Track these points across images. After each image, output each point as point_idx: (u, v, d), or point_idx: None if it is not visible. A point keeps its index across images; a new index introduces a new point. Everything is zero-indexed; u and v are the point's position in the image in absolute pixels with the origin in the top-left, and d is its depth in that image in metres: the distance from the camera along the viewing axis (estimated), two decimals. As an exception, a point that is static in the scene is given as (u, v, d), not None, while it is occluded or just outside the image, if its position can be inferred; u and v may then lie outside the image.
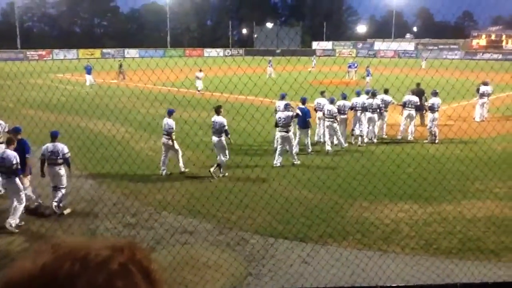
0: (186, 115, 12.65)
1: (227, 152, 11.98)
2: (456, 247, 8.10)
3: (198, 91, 25.11)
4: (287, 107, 13.10)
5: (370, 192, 10.08)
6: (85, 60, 35.84)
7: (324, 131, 15.10)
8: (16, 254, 7.88)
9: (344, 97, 15.52)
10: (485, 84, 19.12)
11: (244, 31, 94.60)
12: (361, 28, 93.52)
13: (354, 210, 9.66)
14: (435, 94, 15.66)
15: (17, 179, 8.90)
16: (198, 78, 27.03)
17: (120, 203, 10.05)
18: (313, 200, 10.03)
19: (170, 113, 12.19)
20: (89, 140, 12.27)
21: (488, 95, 19.37)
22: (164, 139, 12.17)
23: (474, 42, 71.62)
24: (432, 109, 15.65)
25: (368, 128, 15.81)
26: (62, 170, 9.71)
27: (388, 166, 11.15)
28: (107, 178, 11.72)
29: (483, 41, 70.97)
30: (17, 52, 58.82)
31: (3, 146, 9.84)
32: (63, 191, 9.73)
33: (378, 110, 15.72)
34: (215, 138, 11.99)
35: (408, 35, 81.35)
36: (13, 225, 8.80)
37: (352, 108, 15.49)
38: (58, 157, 9.61)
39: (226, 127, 11.82)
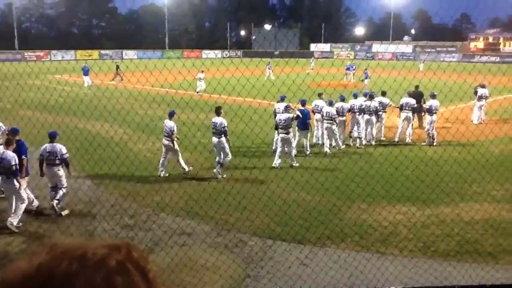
0: (184, 117, 12.66)
1: (228, 151, 12.01)
2: (454, 249, 8.11)
3: (197, 92, 25.11)
4: (287, 109, 13.12)
5: (368, 194, 10.09)
6: (83, 61, 35.79)
7: (322, 133, 15.12)
8: (14, 255, 7.86)
9: (343, 99, 15.56)
10: (483, 86, 19.19)
11: (242, 32, 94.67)
12: (359, 30, 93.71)
13: (352, 212, 9.66)
14: (433, 96, 15.71)
15: (15, 180, 8.90)
16: (200, 79, 26.95)
17: (118, 205, 10.04)
18: (311, 202, 10.03)
19: (171, 115, 12.22)
20: (87, 142, 12.24)
21: (486, 97, 19.44)
22: (165, 141, 12.19)
23: (472, 44, 71.88)
24: (430, 111, 15.69)
25: (366, 130, 15.85)
26: (61, 171, 9.73)
27: (386, 168, 11.17)
28: (105, 180, 11.69)
29: (480, 44, 71.25)
30: (15, 53, 58.69)
31: (1, 148, 9.83)
32: (64, 190, 9.78)
33: (376, 112, 15.76)
34: (215, 139, 12.01)
35: (406, 37, 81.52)
36: (14, 223, 8.83)
37: (350, 110, 15.52)
38: (57, 158, 9.63)
39: (226, 128, 11.85)
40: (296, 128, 14.05)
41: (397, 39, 78.75)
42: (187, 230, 8.78)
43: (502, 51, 66.69)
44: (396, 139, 16.25)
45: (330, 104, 14.68)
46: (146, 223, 9.15)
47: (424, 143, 15.70)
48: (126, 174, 11.88)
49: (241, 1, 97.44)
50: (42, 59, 56.17)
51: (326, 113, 14.52)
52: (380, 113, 16.14)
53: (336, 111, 14.71)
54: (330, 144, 14.74)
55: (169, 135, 12.03)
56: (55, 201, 9.57)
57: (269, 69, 35.23)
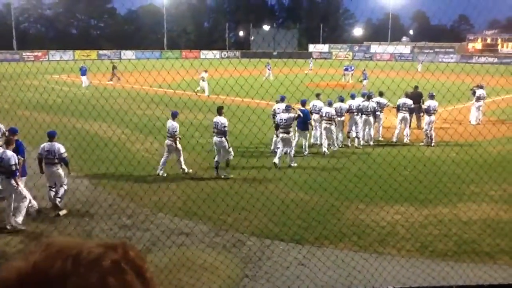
0: (183, 117, 12.66)
1: (230, 150, 12.04)
2: (451, 249, 8.12)
3: (195, 92, 25.07)
4: (288, 109, 13.15)
5: (366, 194, 10.10)
6: (81, 62, 35.76)
7: (320, 133, 15.14)
8: (12, 255, 7.85)
9: (341, 100, 15.59)
10: (481, 87, 19.23)
11: (241, 33, 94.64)
12: (358, 31, 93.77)
13: (350, 212, 9.67)
14: (431, 97, 15.73)
15: (12, 180, 8.90)
16: (203, 78, 26.87)
17: (116, 205, 10.03)
18: (310, 202, 10.03)
19: (174, 116, 12.25)
20: (84, 142, 12.23)
21: (484, 98, 19.49)
22: (168, 141, 12.23)
23: (470, 45, 72.03)
24: (428, 111, 15.71)
25: (364, 130, 15.87)
26: (60, 170, 9.79)
27: (384, 169, 11.18)
28: (102, 180, 11.68)
29: (478, 45, 71.41)
30: (13, 53, 58.64)
31: (0, 148, 9.84)
32: (65, 187, 9.88)
33: (373, 113, 15.79)
34: (216, 139, 12.05)
35: (404, 38, 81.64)
36: (19, 222, 8.91)
37: (348, 110, 15.54)
38: (55, 157, 9.67)
39: (226, 128, 11.87)
40: (296, 128, 14.07)
41: (396, 40, 78.79)
42: (185, 230, 8.78)
43: (500, 52, 66.81)
44: (394, 140, 16.27)
45: (329, 104, 14.70)
46: (144, 223, 9.14)
47: (422, 144, 15.72)
48: (124, 174, 11.88)
49: (239, 1, 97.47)
50: (40, 59, 56.11)
51: (326, 113, 14.54)
52: (378, 113, 16.17)
53: (335, 111, 14.73)
54: (328, 144, 14.75)
55: (172, 135, 12.07)
56: (58, 199, 9.70)
57: (268, 69, 35.26)
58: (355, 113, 15.54)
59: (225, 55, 73.40)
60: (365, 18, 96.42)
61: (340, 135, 15.62)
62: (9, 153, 8.93)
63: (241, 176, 12.01)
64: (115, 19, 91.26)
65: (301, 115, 13.40)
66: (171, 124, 12.15)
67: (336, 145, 15.05)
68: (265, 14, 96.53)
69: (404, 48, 72.12)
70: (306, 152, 14.27)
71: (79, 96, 20.59)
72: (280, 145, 13.13)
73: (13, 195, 8.98)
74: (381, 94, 16.61)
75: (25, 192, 9.15)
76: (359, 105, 15.65)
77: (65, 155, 9.80)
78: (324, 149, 14.57)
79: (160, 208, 9.73)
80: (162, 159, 12.27)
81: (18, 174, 9.07)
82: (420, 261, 7.66)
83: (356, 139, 15.68)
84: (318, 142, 15.38)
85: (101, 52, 65.27)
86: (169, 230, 8.65)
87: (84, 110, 13.90)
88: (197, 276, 7.14)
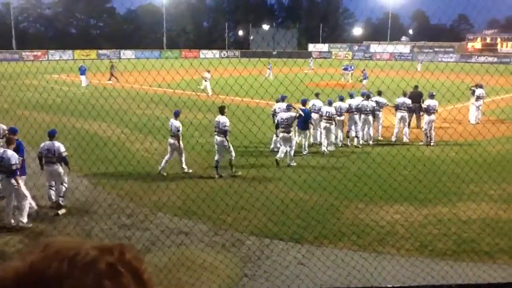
0: (182, 116, 12.65)
1: (231, 150, 12.05)
2: (451, 248, 8.13)
3: (193, 91, 24.99)
4: (289, 108, 13.16)
5: (365, 194, 10.10)
6: (81, 61, 35.76)
7: (320, 133, 15.14)
8: (11, 254, 7.85)
9: (341, 99, 15.61)
10: (480, 86, 19.24)
11: (240, 33, 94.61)
12: (357, 31, 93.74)
13: (349, 211, 9.67)
14: (431, 96, 15.73)
15: (13, 180, 8.91)
16: (205, 79, 26.76)
17: (115, 204, 10.03)
18: (309, 202, 10.03)
19: (176, 115, 12.29)
20: (84, 141, 12.22)
21: (483, 97, 19.49)
22: (171, 140, 12.27)
23: (470, 45, 72.04)
24: (428, 111, 15.71)
25: (363, 130, 15.88)
26: (60, 168, 9.83)
27: (383, 168, 11.18)
28: (102, 179, 11.67)
29: (478, 44, 71.41)
30: (13, 53, 58.59)
31: (1, 148, 9.86)
32: (66, 184, 9.96)
33: (372, 112, 15.79)
34: (218, 138, 12.08)
35: (403, 38, 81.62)
36: (24, 220, 8.98)
37: (348, 110, 15.54)
38: (54, 156, 9.72)
39: (228, 128, 11.89)
40: (296, 128, 14.07)
41: (395, 40, 78.78)
42: (184, 229, 8.78)
43: (500, 52, 66.83)
44: (393, 139, 16.28)
45: (330, 104, 14.71)
46: (144, 223, 9.15)
47: (422, 143, 15.72)
48: (124, 173, 11.87)
49: (239, 1, 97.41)
50: (40, 59, 56.03)
51: (326, 112, 14.56)
52: (377, 113, 16.18)
53: (335, 110, 14.75)
54: (328, 144, 14.76)
55: (175, 134, 12.09)
56: (61, 199, 9.83)
57: (269, 69, 35.28)
58: (355, 113, 15.55)
59: (224, 54, 73.36)
60: (365, 17, 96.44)
61: (340, 134, 15.64)
62: (10, 152, 8.94)
63: (240, 176, 12.02)
64: (114, 18, 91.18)
65: (302, 114, 13.41)
66: (173, 123, 12.18)
67: (333, 144, 15.02)
68: (265, 14, 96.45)
69: (403, 48, 72.12)
70: (306, 152, 14.28)
71: (79, 95, 20.58)
72: (281, 144, 13.18)
73: (13, 194, 9.00)
74: (380, 94, 16.61)
75: (25, 192, 9.16)
76: (358, 104, 15.66)
77: (65, 154, 9.85)
78: (324, 148, 14.58)
79: (160, 208, 9.73)
80: (166, 158, 12.30)
81: (18, 173, 9.08)
82: (419, 260, 7.66)
83: (355, 139, 15.69)
84: (318, 141, 15.39)
85: (100, 51, 65.21)
86: (169, 230, 8.65)
87: (84, 109, 13.89)
88: (196, 275, 7.14)
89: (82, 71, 30.74)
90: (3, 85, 14.90)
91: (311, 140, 15.47)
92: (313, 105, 15.39)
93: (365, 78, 28.35)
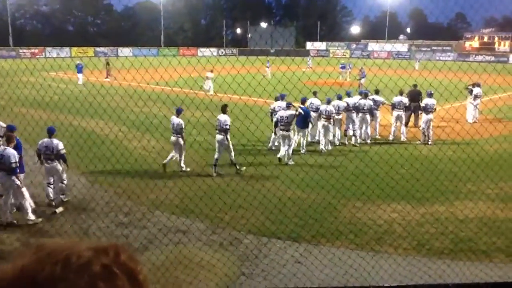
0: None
1: (231, 148, 12.10)
2: (448, 247, 8.14)
3: (191, 89, 24.96)
4: (289, 106, 13.17)
5: (363, 192, 10.10)
6: (78, 59, 35.66)
7: (318, 131, 15.14)
8: (8, 253, 7.83)
9: (339, 98, 15.61)
10: (477, 85, 19.27)
11: (238, 30, 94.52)
12: (355, 29, 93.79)
13: (347, 210, 9.68)
14: (429, 95, 15.74)
15: (13, 177, 8.90)
16: (208, 78, 26.64)
17: (113, 202, 10.01)
18: (307, 200, 10.04)
19: (178, 112, 12.35)
20: (81, 139, 12.19)
21: (481, 96, 19.53)
22: (173, 138, 12.33)
23: (467, 44, 72.17)
24: (426, 110, 15.73)
25: (361, 128, 15.89)
26: (58, 165, 9.86)
27: (381, 167, 11.19)
28: (99, 177, 11.65)
29: (475, 43, 71.53)
30: (9, 50, 58.36)
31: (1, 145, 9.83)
32: (65, 182, 10.03)
33: (370, 111, 15.80)
34: (219, 136, 12.11)
35: (401, 36, 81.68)
36: (32, 218, 9.06)
37: (345, 108, 15.55)
38: (53, 153, 9.73)
39: (228, 127, 11.91)
40: (295, 126, 14.06)
41: (393, 38, 78.87)
42: (182, 228, 8.77)
43: (497, 51, 66.98)
44: (391, 138, 16.30)
45: (328, 102, 14.71)
46: (141, 221, 9.13)
47: (419, 142, 15.75)
48: (121, 171, 11.85)
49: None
50: (37, 56, 55.82)
51: (325, 111, 14.56)
52: (374, 111, 16.18)
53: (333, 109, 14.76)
54: (326, 142, 14.76)
55: (177, 131, 12.12)
56: (62, 196, 9.97)
57: (268, 68, 35.25)
58: (352, 111, 15.56)
59: (222, 52, 73.24)
60: (363, 15, 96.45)
61: (337, 132, 15.64)
62: (10, 150, 8.92)
63: (238, 174, 12.01)
64: (112, 15, 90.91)
65: (302, 112, 13.42)
66: (176, 120, 12.20)
67: (330, 143, 15.03)
68: (262, 12, 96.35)
69: (401, 46, 72.20)
70: (304, 150, 14.28)
71: (76, 93, 20.49)
72: (281, 142, 13.20)
73: (11, 192, 8.97)
74: (377, 92, 16.62)
75: (25, 192, 9.14)
76: (356, 103, 15.66)
77: (63, 151, 9.87)
78: (322, 147, 14.59)
79: (157, 206, 9.72)
80: (170, 154, 12.38)
81: (18, 171, 9.06)
82: (416, 259, 7.67)
83: (353, 137, 15.70)
84: (316, 139, 15.40)
85: (98, 49, 65.04)
86: (166, 228, 8.64)
87: (81, 107, 13.86)
88: (194, 274, 7.14)
89: (79, 69, 30.66)
90: (0, 83, 14.85)
91: (309, 138, 15.47)
92: (311, 103, 15.38)
93: (363, 77, 28.35)
